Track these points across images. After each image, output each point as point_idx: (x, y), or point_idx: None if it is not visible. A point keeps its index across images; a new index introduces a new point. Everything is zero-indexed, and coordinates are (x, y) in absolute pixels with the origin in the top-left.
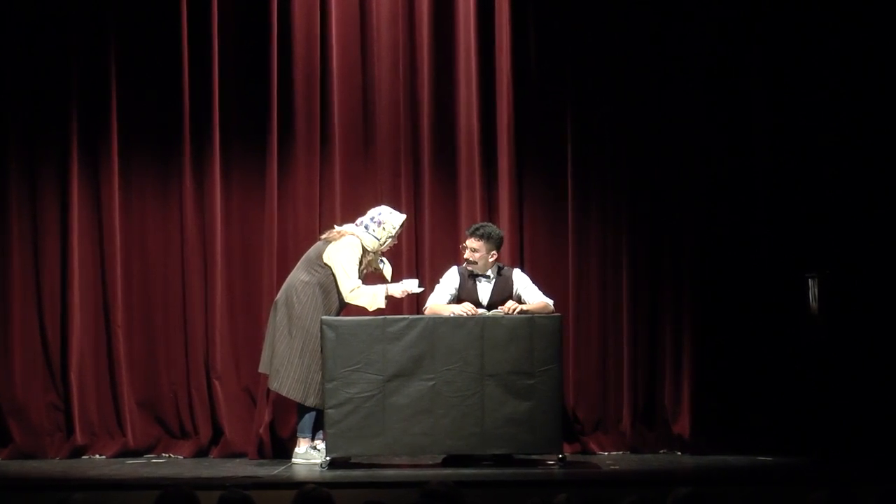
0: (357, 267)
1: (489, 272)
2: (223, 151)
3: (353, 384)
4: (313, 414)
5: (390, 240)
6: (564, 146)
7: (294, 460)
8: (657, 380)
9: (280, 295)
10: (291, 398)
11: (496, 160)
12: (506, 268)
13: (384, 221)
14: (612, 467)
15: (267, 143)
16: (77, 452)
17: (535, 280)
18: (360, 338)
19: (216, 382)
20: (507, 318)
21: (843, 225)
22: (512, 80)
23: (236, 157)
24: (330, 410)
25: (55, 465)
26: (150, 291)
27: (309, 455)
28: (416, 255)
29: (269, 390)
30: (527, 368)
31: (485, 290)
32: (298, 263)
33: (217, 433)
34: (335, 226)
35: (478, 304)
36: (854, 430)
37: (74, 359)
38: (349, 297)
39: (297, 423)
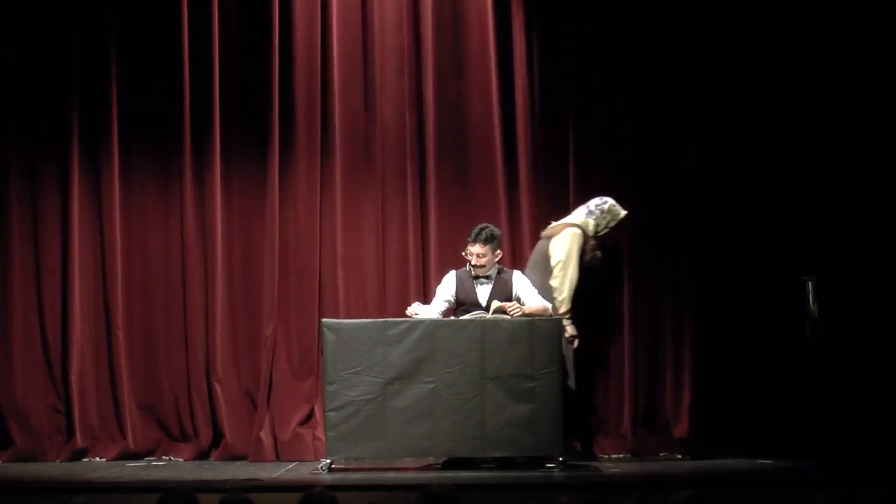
0: (577, 259)
1: (490, 273)
2: (224, 153)
3: (353, 387)
4: None
5: (608, 230)
6: (566, 149)
7: None
8: (658, 383)
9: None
10: None
11: (503, 163)
12: (505, 269)
13: (610, 210)
14: (612, 470)
15: (268, 144)
16: (77, 455)
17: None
18: (360, 340)
19: (216, 385)
20: (507, 321)
21: (842, 228)
22: (520, 83)
23: (237, 159)
24: (330, 413)
25: (55, 468)
26: (150, 294)
27: None
28: (423, 258)
29: (269, 393)
30: (527, 371)
31: (484, 291)
32: (528, 268)
33: (217, 436)
34: (552, 222)
35: (477, 306)
36: (854, 432)
37: (75, 361)
38: (557, 297)
39: None
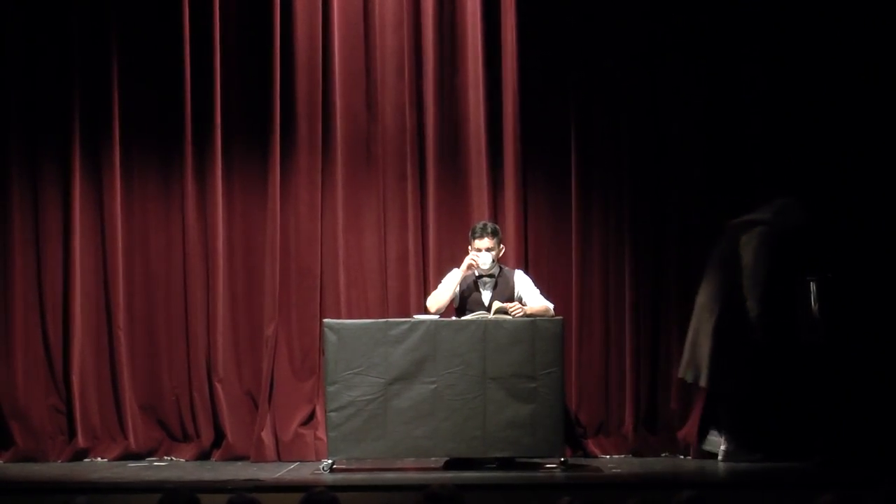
0: (766, 259)
1: (492, 272)
2: (225, 154)
3: (355, 387)
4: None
5: (792, 229)
6: (568, 149)
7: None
8: (660, 383)
9: (707, 297)
10: None
11: (502, 162)
12: (506, 269)
13: (796, 210)
14: (614, 471)
15: (269, 144)
16: (79, 455)
17: (538, 283)
18: (362, 341)
19: (218, 385)
20: (508, 322)
21: (845, 228)
22: (517, 83)
23: (238, 160)
24: (332, 413)
25: (57, 469)
26: (151, 294)
27: None
28: (423, 258)
29: (270, 393)
30: (529, 372)
31: (486, 291)
32: (709, 263)
33: (219, 436)
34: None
35: (479, 306)
36: (858, 432)
37: (76, 361)
38: (749, 298)
39: None
